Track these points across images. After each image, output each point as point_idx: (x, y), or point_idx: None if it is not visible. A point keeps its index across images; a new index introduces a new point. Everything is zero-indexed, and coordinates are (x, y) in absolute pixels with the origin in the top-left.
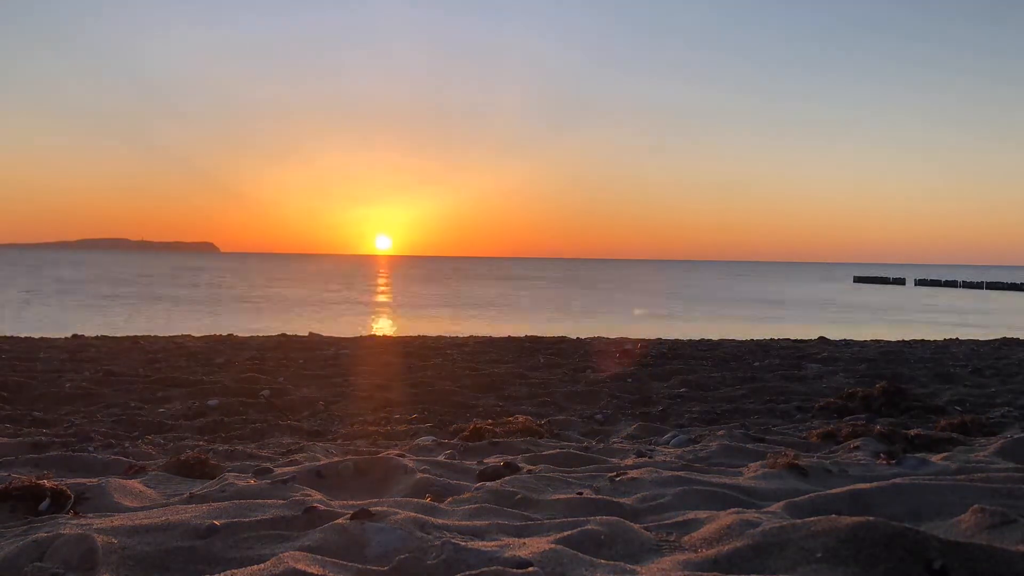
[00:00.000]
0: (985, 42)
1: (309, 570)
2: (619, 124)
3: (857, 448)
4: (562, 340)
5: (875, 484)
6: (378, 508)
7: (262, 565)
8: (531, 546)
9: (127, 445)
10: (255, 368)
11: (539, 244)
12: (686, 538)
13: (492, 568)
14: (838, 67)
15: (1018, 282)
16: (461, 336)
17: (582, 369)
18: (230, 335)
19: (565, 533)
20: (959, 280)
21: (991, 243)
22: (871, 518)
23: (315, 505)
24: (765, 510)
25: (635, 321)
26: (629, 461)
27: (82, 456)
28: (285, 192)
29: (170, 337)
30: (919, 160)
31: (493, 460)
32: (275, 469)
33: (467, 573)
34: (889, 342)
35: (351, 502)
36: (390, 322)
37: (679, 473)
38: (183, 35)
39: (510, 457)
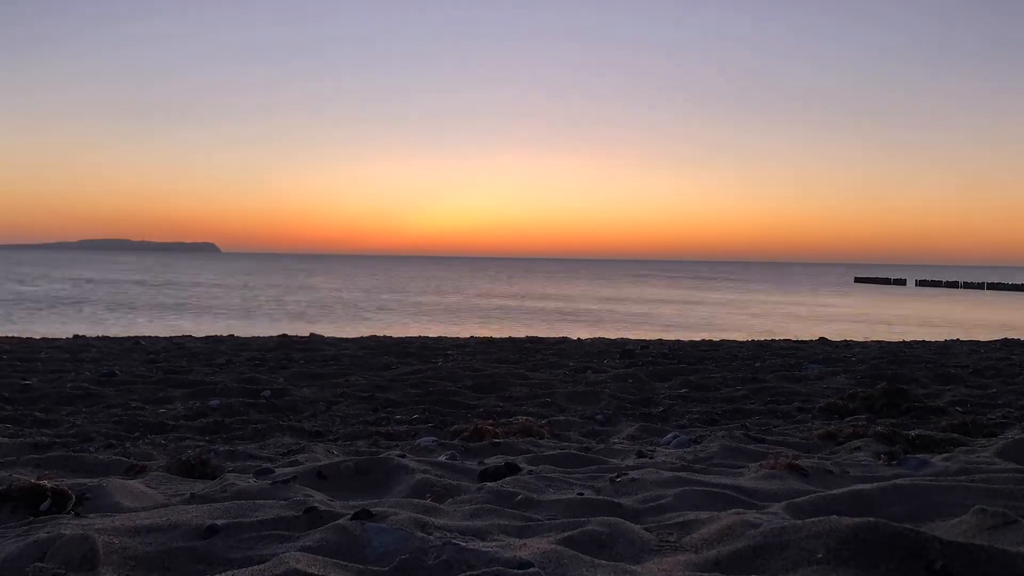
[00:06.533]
0: (990, 37)
1: (310, 570)
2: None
3: (858, 449)
4: (563, 340)
5: (876, 485)
6: (379, 508)
7: (263, 565)
8: (532, 546)
9: (128, 445)
10: (256, 368)
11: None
12: (687, 539)
13: (493, 568)
14: (838, 65)
15: (1020, 283)
16: (462, 336)
17: (583, 370)
18: (231, 335)
19: (566, 533)
20: (960, 281)
21: (994, 243)
22: (872, 519)
23: (316, 505)
24: (766, 511)
25: (636, 324)
26: (630, 462)
27: (83, 456)
28: (285, 191)
29: (170, 338)
30: (922, 159)
31: (494, 461)
32: (276, 469)
33: (468, 573)
34: (890, 343)
35: (352, 502)
36: (390, 322)
37: (680, 474)
38: (185, 34)
39: (511, 458)
